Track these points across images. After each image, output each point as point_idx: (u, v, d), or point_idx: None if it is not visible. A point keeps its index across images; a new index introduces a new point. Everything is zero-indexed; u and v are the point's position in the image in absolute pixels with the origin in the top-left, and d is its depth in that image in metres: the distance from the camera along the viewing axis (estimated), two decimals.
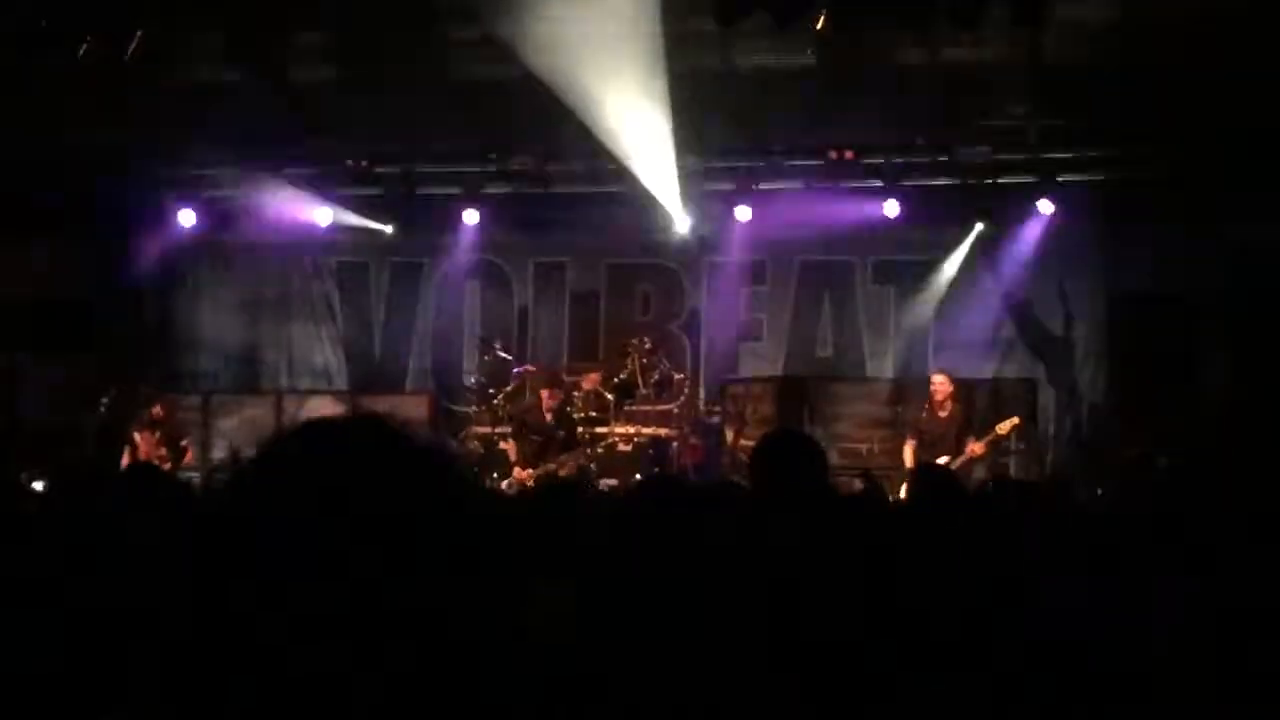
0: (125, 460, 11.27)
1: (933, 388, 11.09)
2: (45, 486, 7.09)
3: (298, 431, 1.29)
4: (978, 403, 11.57)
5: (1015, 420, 10.84)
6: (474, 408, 13.38)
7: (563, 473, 10.96)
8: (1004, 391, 12.35)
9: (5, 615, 2.46)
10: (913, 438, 11.09)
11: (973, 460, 10.59)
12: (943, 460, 10.24)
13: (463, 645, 1.20)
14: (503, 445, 11.93)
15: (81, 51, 11.17)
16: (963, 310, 13.06)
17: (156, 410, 11.61)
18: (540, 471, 10.93)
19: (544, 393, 11.67)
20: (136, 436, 11.48)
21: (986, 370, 12.89)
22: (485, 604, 1.22)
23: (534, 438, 11.41)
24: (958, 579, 2.97)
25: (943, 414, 10.94)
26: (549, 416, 11.51)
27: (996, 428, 10.72)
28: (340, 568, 1.15)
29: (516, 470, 11.16)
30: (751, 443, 11.22)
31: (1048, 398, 12.77)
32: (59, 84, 11.37)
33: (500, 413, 12.68)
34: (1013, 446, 10.88)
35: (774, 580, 2.33)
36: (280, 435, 1.28)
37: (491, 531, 1.27)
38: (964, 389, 11.33)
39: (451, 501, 1.23)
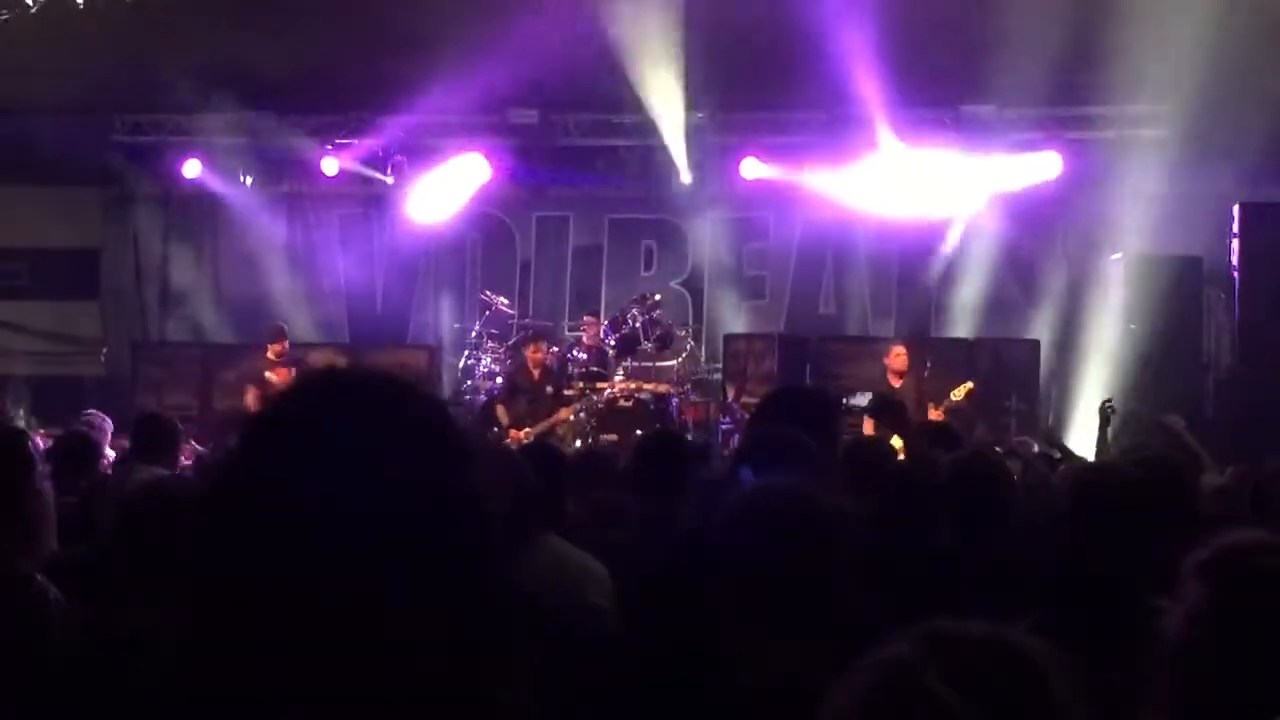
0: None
1: (890, 359, 10.88)
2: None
3: (302, 387, 1.22)
4: (935, 366, 11.34)
5: (969, 385, 10.65)
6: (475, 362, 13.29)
7: (561, 430, 10.92)
8: (1005, 353, 12.29)
9: None
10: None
11: None
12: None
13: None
14: (498, 409, 11.45)
15: None
16: (966, 271, 12.94)
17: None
18: (539, 430, 10.81)
19: (529, 349, 11.54)
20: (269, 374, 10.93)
21: (987, 331, 12.81)
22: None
23: (525, 397, 11.29)
24: None
25: (896, 384, 10.69)
26: (536, 373, 11.41)
27: (951, 394, 10.52)
28: (350, 529, 1.10)
29: (512, 432, 10.96)
30: (754, 399, 11.23)
31: (1051, 360, 12.66)
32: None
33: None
34: (969, 411, 10.71)
35: None
36: (288, 392, 1.21)
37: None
38: (917, 355, 11.08)
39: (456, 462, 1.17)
